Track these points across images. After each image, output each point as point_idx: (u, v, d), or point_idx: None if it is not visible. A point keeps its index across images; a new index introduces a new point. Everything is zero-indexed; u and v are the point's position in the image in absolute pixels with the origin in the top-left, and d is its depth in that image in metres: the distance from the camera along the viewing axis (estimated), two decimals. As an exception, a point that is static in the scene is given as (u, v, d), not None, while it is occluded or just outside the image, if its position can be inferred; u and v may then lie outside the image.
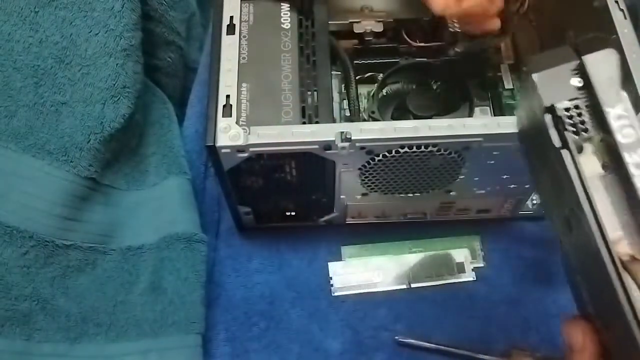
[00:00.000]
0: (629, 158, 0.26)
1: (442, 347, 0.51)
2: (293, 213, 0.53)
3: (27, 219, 0.45)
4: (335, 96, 0.49)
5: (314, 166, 0.44)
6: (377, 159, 0.44)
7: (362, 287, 0.54)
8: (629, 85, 0.27)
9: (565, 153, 0.27)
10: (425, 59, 0.51)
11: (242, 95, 0.44)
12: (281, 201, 0.51)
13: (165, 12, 0.54)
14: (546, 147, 0.29)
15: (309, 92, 0.44)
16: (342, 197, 0.50)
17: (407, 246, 0.55)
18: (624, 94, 0.27)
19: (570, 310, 0.53)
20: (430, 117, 0.47)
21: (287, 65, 0.45)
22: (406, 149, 0.42)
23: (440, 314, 0.53)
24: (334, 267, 0.54)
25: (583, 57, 0.28)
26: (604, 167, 0.28)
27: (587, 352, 0.30)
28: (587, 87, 0.27)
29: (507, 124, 0.41)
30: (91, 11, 0.47)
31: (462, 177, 0.47)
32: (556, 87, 0.28)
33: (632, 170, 0.26)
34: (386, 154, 0.43)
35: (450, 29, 0.47)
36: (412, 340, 0.51)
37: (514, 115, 0.40)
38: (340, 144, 0.42)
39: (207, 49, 0.60)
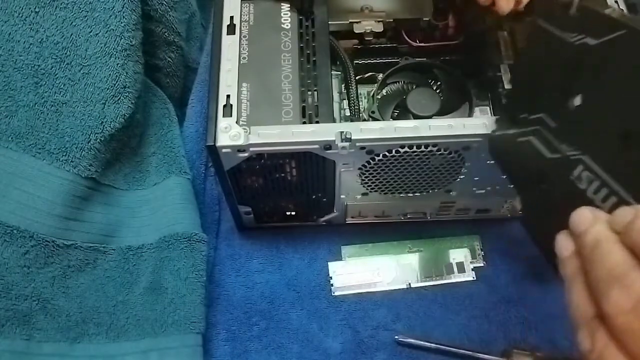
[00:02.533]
0: None
1: (442, 347, 0.51)
2: (293, 213, 0.53)
3: (28, 219, 0.45)
4: (336, 96, 0.49)
5: (314, 166, 0.45)
6: (377, 158, 0.44)
7: (362, 286, 0.54)
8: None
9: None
10: (425, 59, 0.51)
11: (243, 95, 0.44)
12: (281, 201, 0.51)
13: (166, 12, 0.54)
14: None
15: (309, 92, 0.45)
16: (342, 196, 0.50)
17: (407, 246, 0.56)
18: None
19: (567, 311, 0.53)
20: (430, 117, 0.47)
21: (287, 65, 0.46)
22: (406, 149, 0.43)
23: (440, 314, 0.53)
24: (334, 267, 0.55)
25: None
26: None
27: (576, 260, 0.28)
28: None
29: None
30: (91, 11, 0.47)
31: (462, 177, 0.47)
32: None
33: None
34: (386, 153, 0.43)
35: None
36: (412, 340, 0.51)
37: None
38: (341, 144, 0.42)
39: (208, 49, 0.60)
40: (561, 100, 0.32)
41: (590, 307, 0.26)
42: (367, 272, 0.54)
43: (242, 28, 0.47)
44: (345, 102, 0.49)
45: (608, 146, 0.29)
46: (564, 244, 0.29)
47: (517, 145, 0.36)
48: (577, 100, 0.31)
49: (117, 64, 0.48)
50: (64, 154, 0.47)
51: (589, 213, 0.28)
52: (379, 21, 0.50)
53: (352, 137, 0.41)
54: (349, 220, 0.55)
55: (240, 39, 0.46)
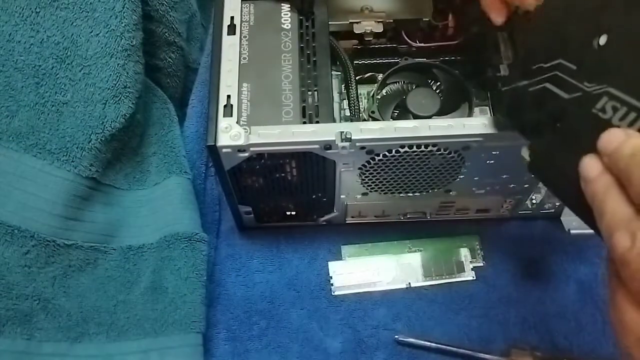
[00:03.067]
0: None
1: (442, 346, 0.51)
2: (293, 213, 0.53)
3: (28, 219, 0.45)
4: (336, 96, 0.49)
5: (314, 166, 0.45)
6: (377, 158, 0.44)
7: (361, 286, 0.54)
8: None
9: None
10: (425, 59, 0.52)
11: (243, 95, 0.44)
12: (282, 201, 0.51)
13: (166, 12, 0.54)
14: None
15: (310, 92, 0.45)
16: (342, 196, 0.50)
17: (406, 246, 0.56)
18: None
19: (568, 312, 0.53)
20: (430, 117, 0.47)
21: (287, 66, 0.46)
22: (406, 149, 0.43)
23: (440, 313, 0.53)
24: (334, 267, 0.55)
25: None
26: None
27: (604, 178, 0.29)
28: None
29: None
30: (92, 11, 0.47)
31: (461, 176, 0.47)
32: None
33: None
34: (386, 153, 0.43)
35: None
36: (412, 339, 0.51)
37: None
38: (341, 144, 0.42)
39: (208, 49, 0.60)
40: (584, 43, 0.33)
41: (629, 209, 0.28)
42: (367, 271, 0.54)
43: (243, 28, 0.47)
44: (345, 102, 0.49)
45: (637, 73, 0.30)
46: (591, 164, 0.30)
47: (529, 94, 0.37)
48: (602, 40, 0.32)
49: (118, 64, 0.48)
50: (65, 154, 0.47)
51: (620, 131, 0.29)
52: (379, 21, 0.50)
53: (352, 137, 0.41)
54: (349, 220, 0.55)
55: (240, 39, 0.46)
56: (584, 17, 0.33)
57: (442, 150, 0.43)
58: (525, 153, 0.38)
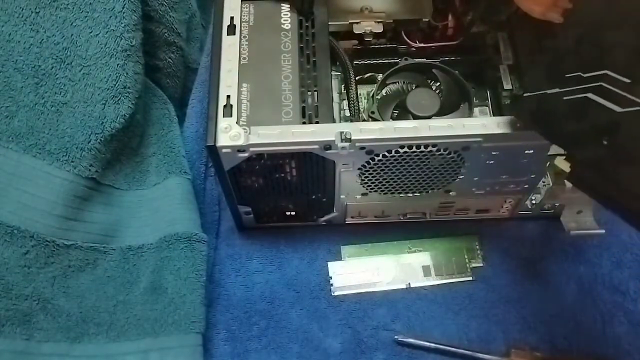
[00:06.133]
0: None
1: (441, 347, 0.51)
2: (293, 213, 0.53)
3: (28, 219, 0.45)
4: (335, 96, 0.49)
5: (314, 166, 0.45)
6: (377, 158, 0.44)
7: (361, 286, 0.54)
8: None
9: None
10: (424, 60, 0.52)
11: (243, 96, 0.44)
12: (281, 201, 0.51)
13: (166, 12, 0.54)
14: None
15: (309, 92, 0.45)
16: (342, 197, 0.50)
17: (406, 246, 0.56)
18: None
19: (568, 312, 0.53)
20: (429, 118, 0.47)
21: (287, 66, 0.46)
22: (406, 149, 0.43)
23: (440, 314, 0.53)
24: (333, 267, 0.55)
25: None
26: None
27: None
28: None
29: (506, 124, 0.42)
30: (92, 12, 0.47)
31: (461, 177, 0.47)
32: None
33: None
34: (386, 153, 0.43)
35: None
36: (412, 340, 0.51)
37: (512, 115, 0.41)
38: (340, 144, 0.42)
39: (208, 49, 0.60)
40: (636, 58, 0.30)
41: None
42: (366, 272, 0.54)
43: (242, 28, 0.47)
44: (345, 102, 0.50)
45: None
46: None
47: (564, 104, 0.34)
48: None
49: (118, 65, 0.48)
50: (65, 154, 0.47)
51: None
52: (378, 22, 0.50)
53: (352, 138, 0.41)
54: (349, 220, 0.55)
55: (240, 39, 0.46)
56: (633, 32, 0.30)
57: (442, 150, 0.43)
58: (563, 165, 0.35)
